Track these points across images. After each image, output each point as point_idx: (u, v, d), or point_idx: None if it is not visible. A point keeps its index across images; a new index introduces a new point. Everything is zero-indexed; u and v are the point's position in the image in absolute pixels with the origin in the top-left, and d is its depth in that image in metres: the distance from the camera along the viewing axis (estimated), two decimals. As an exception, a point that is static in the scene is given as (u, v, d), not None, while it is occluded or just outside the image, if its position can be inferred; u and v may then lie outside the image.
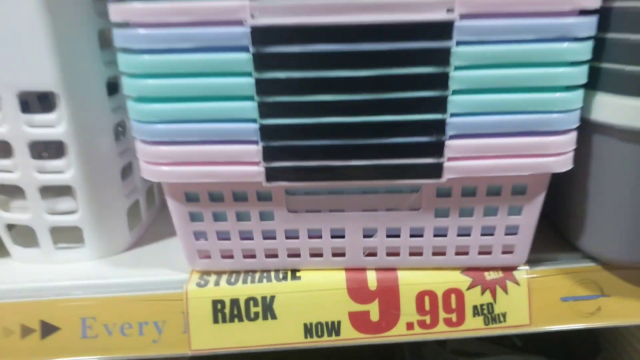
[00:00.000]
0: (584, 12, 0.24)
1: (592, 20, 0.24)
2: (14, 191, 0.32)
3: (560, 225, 0.34)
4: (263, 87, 0.24)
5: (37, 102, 0.34)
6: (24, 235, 0.34)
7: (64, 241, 0.34)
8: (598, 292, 0.32)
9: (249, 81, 0.24)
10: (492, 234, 0.30)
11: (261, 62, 0.24)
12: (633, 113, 0.25)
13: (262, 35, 0.23)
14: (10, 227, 0.34)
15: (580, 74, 0.25)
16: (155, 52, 0.24)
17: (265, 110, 0.25)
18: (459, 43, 0.23)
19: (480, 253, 0.31)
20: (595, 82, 0.26)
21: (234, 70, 0.24)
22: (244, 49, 0.24)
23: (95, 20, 0.29)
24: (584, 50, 0.24)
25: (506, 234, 0.30)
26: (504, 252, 0.31)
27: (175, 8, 0.23)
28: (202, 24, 0.23)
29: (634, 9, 0.24)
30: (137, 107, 0.26)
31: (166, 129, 0.26)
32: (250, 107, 0.25)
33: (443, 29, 0.23)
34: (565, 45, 0.24)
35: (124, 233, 0.35)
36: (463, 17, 0.23)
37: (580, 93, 0.25)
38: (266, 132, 0.25)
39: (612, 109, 0.26)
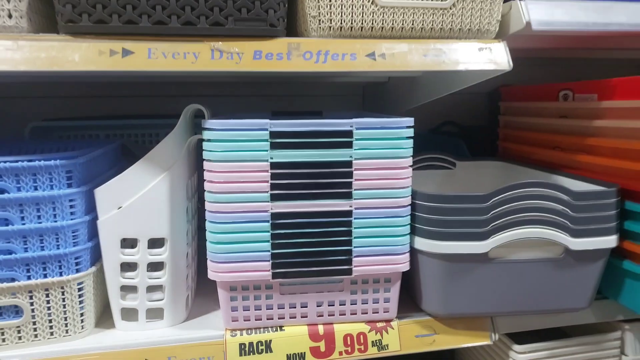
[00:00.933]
0: (404, 206, 0.59)
1: (408, 209, 0.59)
2: (127, 290, 0.60)
3: (413, 296, 0.67)
4: (275, 241, 0.56)
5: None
6: (123, 315, 0.60)
7: (149, 317, 0.61)
8: (432, 332, 0.64)
9: (268, 235, 0.56)
10: (377, 303, 0.62)
11: (275, 230, 0.56)
12: (427, 245, 0.59)
13: (277, 216, 0.55)
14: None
15: (406, 230, 0.59)
16: (222, 224, 0.55)
17: (274, 247, 0.56)
18: (355, 218, 0.57)
19: (373, 312, 0.62)
20: (414, 232, 0.61)
21: (261, 237, 0.56)
22: (267, 222, 0.56)
23: (185, 200, 0.60)
24: (407, 221, 0.59)
25: (384, 302, 0.62)
26: (384, 312, 0.62)
27: (237, 205, 0.55)
28: (247, 212, 0.55)
29: (422, 205, 0.59)
30: (212, 246, 0.56)
31: (224, 256, 0.56)
32: (267, 247, 0.56)
33: (348, 214, 0.57)
34: (400, 219, 0.58)
35: (183, 311, 0.62)
36: (356, 208, 0.57)
37: (407, 237, 0.60)
38: (273, 256, 0.57)
39: (420, 243, 0.60)
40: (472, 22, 0.56)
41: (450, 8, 0.54)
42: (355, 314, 0.62)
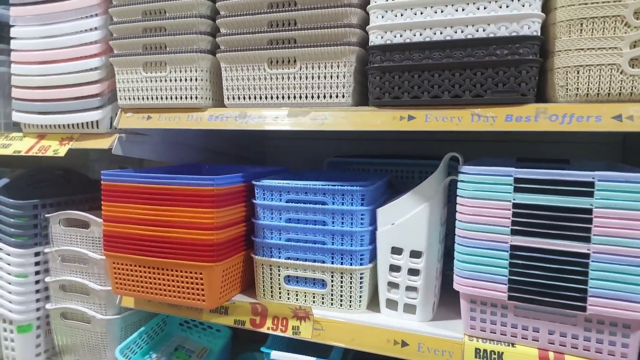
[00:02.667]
0: (650, 257, 0.60)
1: (654, 260, 0.60)
2: (391, 286, 0.81)
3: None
4: (512, 269, 0.67)
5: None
6: (387, 304, 0.81)
7: (405, 310, 0.80)
8: (682, 392, 0.62)
9: (507, 263, 0.67)
10: (614, 345, 0.64)
11: (513, 260, 0.67)
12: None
13: (515, 248, 0.67)
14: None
15: (650, 280, 0.61)
16: (468, 247, 0.70)
17: (512, 273, 0.67)
18: (593, 261, 0.63)
19: (609, 354, 0.65)
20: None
21: (500, 263, 0.68)
22: (506, 252, 0.67)
23: (439, 226, 0.77)
24: (651, 271, 0.61)
25: (622, 347, 0.64)
26: (621, 356, 0.64)
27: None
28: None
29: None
30: (459, 263, 0.71)
31: (468, 273, 0.70)
32: (505, 272, 0.68)
33: (585, 256, 0.63)
34: (641, 268, 0.61)
35: (430, 312, 0.80)
36: (594, 252, 0.63)
37: (652, 288, 0.61)
38: (510, 281, 0.68)
39: (670, 297, 0.60)
40: None
41: None
42: (589, 350, 0.66)
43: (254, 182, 0.86)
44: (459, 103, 0.67)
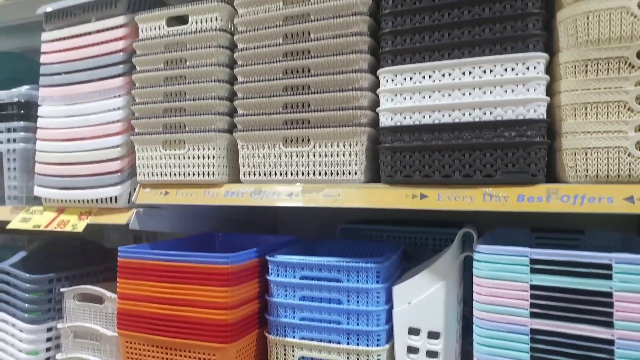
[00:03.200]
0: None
1: (683, 347, 0.58)
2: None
3: None
4: (534, 354, 0.65)
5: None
6: (407, 387, 0.78)
7: (424, 394, 0.77)
8: None
9: (528, 347, 0.65)
10: None
11: (534, 344, 0.65)
12: None
13: (536, 332, 0.65)
14: None
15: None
16: (487, 329, 0.68)
17: (534, 358, 0.65)
18: (618, 348, 0.60)
19: None
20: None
21: (521, 347, 0.66)
22: (526, 335, 0.65)
23: (456, 305, 0.76)
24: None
25: None
26: None
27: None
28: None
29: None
30: (478, 347, 0.69)
31: (488, 358, 0.68)
32: (527, 357, 0.65)
33: (609, 342, 0.61)
34: (670, 355, 0.58)
35: (451, 396, 0.76)
36: (619, 338, 0.60)
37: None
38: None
39: None
40: None
41: None
42: None
43: (267, 258, 0.86)
44: (470, 183, 0.68)
